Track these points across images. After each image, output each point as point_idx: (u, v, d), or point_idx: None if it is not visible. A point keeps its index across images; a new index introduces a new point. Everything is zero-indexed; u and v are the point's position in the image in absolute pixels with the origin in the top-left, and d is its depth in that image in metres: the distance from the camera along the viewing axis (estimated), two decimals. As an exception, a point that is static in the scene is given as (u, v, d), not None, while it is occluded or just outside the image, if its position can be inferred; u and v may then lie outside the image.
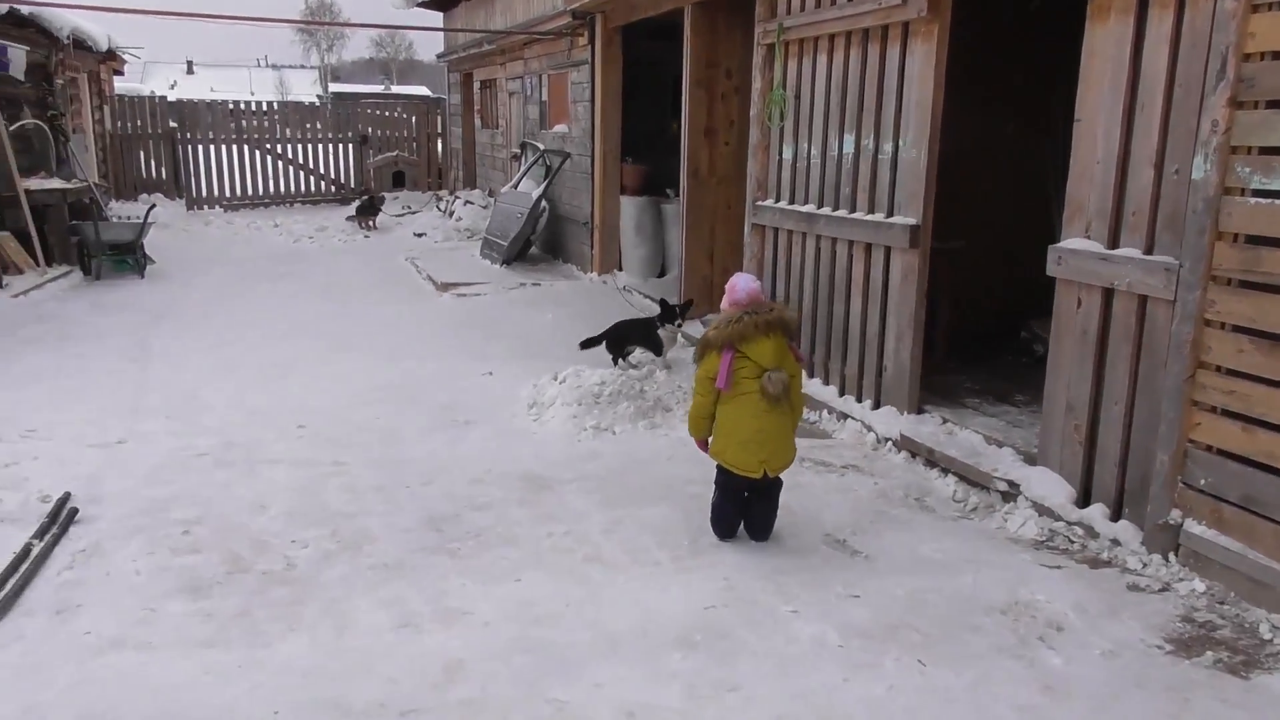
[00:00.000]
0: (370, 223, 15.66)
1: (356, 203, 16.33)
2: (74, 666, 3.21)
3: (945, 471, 5.17)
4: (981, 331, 7.14)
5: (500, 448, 5.62)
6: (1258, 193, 3.63)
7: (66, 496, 4.58)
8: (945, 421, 5.55)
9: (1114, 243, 4.25)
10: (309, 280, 11.38)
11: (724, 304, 4.37)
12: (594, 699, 3.09)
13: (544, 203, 11.98)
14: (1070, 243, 4.45)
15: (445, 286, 10.73)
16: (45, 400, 6.33)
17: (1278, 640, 3.50)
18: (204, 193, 17.67)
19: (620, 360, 7.42)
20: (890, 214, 5.71)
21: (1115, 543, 4.23)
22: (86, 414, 6.05)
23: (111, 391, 6.62)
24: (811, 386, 6.52)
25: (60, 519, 4.32)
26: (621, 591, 3.85)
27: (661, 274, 10.93)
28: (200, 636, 3.43)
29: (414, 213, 16.72)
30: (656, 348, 7.37)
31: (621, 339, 7.49)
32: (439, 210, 16.10)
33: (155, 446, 5.49)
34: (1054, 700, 3.14)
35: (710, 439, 4.36)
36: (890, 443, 5.62)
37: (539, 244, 12.67)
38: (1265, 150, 3.61)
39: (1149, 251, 4.08)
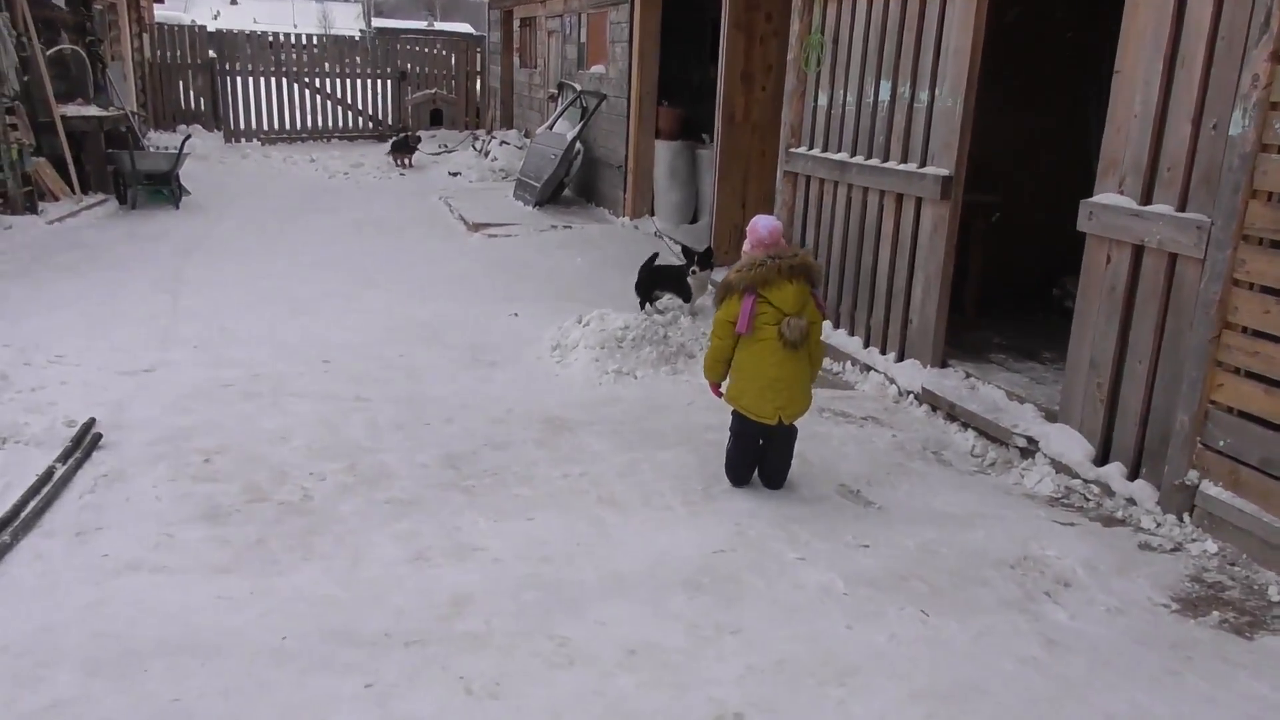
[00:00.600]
0: (406, 160, 15.65)
1: (392, 139, 16.30)
2: (90, 588, 3.30)
3: (965, 426, 5.14)
4: (1013, 287, 7.02)
5: (522, 389, 5.65)
6: (1296, 150, 3.52)
7: (91, 422, 4.68)
8: (968, 376, 5.50)
9: (1147, 199, 4.15)
10: (341, 216, 11.43)
11: (746, 246, 4.32)
12: (597, 636, 3.14)
13: (579, 145, 11.89)
14: (1103, 198, 4.35)
15: (477, 227, 10.73)
16: (75, 327, 6.43)
17: (1287, 604, 3.47)
18: (242, 125, 17.74)
19: (648, 305, 7.41)
20: (923, 164, 5.61)
21: (1130, 502, 4.19)
22: (116, 341, 6.15)
23: (142, 320, 6.72)
24: (836, 337, 6.48)
25: (84, 444, 4.42)
26: (632, 533, 3.89)
27: (694, 220, 10.85)
28: (215, 562, 3.52)
29: (450, 151, 16.68)
30: (686, 294, 7.34)
31: (651, 283, 7.47)
32: (475, 149, 16.05)
33: (182, 376, 5.58)
34: (1055, 654, 3.14)
35: (726, 384, 4.34)
36: (912, 396, 5.58)
37: (572, 186, 12.61)
38: (1306, 106, 3.50)
39: (1182, 208, 3.98)
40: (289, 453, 4.56)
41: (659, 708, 2.79)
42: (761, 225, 4.25)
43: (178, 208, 11.33)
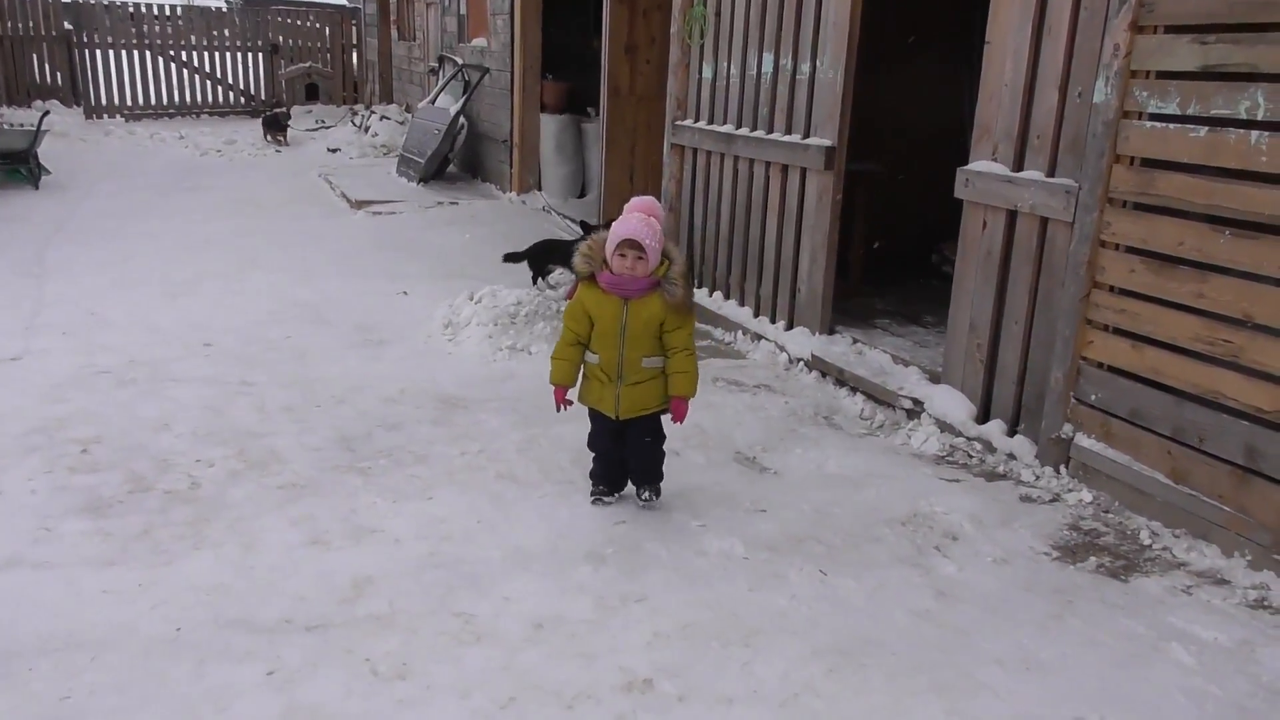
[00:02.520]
0: (280, 137, 15.10)
1: (264, 115, 15.71)
2: (-35, 586, 3.13)
3: (854, 390, 5.29)
4: (895, 255, 7.24)
5: (415, 368, 5.56)
6: (1154, 116, 3.71)
7: (-45, 416, 4.41)
8: (855, 342, 5.66)
9: (1019, 165, 4.33)
10: (217, 195, 10.98)
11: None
12: (503, 612, 3.13)
13: (462, 119, 11.69)
14: (977, 165, 4.52)
15: (360, 204, 10.46)
16: (-69, 317, 6.05)
17: (1155, 545, 3.70)
18: (103, 101, 16.83)
19: (540, 279, 7.37)
20: (807, 135, 5.72)
21: (1011, 457, 4.39)
22: (-23, 331, 5.80)
23: (4, 306, 6.34)
24: (727, 308, 6.57)
25: (-51, 439, 4.16)
26: (533, 508, 3.88)
27: (582, 194, 10.82)
28: (100, 555, 3.37)
29: (328, 127, 16.18)
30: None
31: (543, 257, 7.42)
32: (354, 125, 15.60)
33: (52, 364, 5.30)
34: (946, 604, 3.28)
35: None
36: (802, 363, 5.71)
37: (457, 162, 12.40)
38: (1162, 75, 3.69)
39: (1051, 174, 4.16)
40: (173, 440, 4.38)
41: (568, 679, 2.81)
42: (625, 220, 3.57)
43: (37, 188, 10.69)
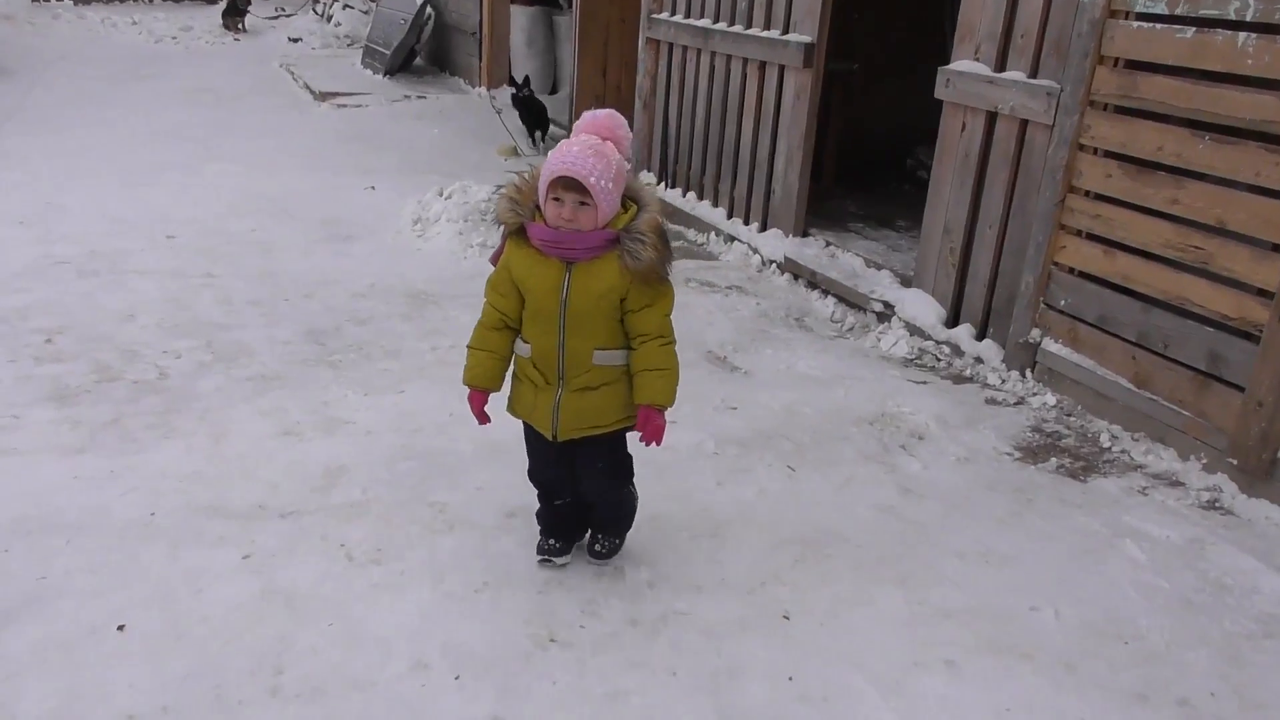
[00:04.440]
0: (239, 25, 14.56)
1: (224, 2, 15.10)
2: (-68, 471, 3.10)
3: (826, 293, 5.30)
4: (870, 157, 7.18)
5: (383, 263, 5.49)
6: (1141, 16, 3.66)
7: (-88, 302, 4.30)
8: (828, 245, 5.65)
9: (1001, 66, 4.27)
10: (174, 84, 10.62)
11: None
12: (475, 500, 3.16)
13: (429, 10, 11.32)
14: (959, 65, 4.45)
15: (324, 96, 10.17)
16: (-120, 202, 5.86)
17: (1115, 448, 3.79)
18: (51, -17, 16.04)
19: (538, 135, 7.39)
20: (786, 30, 5.59)
21: (978, 360, 4.45)
22: (-71, 218, 5.63)
23: (-44, 196, 6.15)
24: (700, 209, 6.52)
25: (-94, 325, 4.07)
26: (503, 402, 3.88)
27: (553, 90, 10.58)
28: (69, 443, 3.34)
29: (289, 15, 15.62)
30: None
31: (541, 115, 7.48)
32: (316, 14, 15.07)
33: (10, 254, 5.17)
34: (910, 501, 3.36)
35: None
36: (775, 265, 5.71)
37: (424, 54, 12.04)
38: (1152, -27, 3.63)
39: (1034, 75, 4.11)
40: (138, 331, 4.32)
41: (539, 566, 2.86)
42: (587, 115, 2.52)
43: (-18, 72, 10.28)
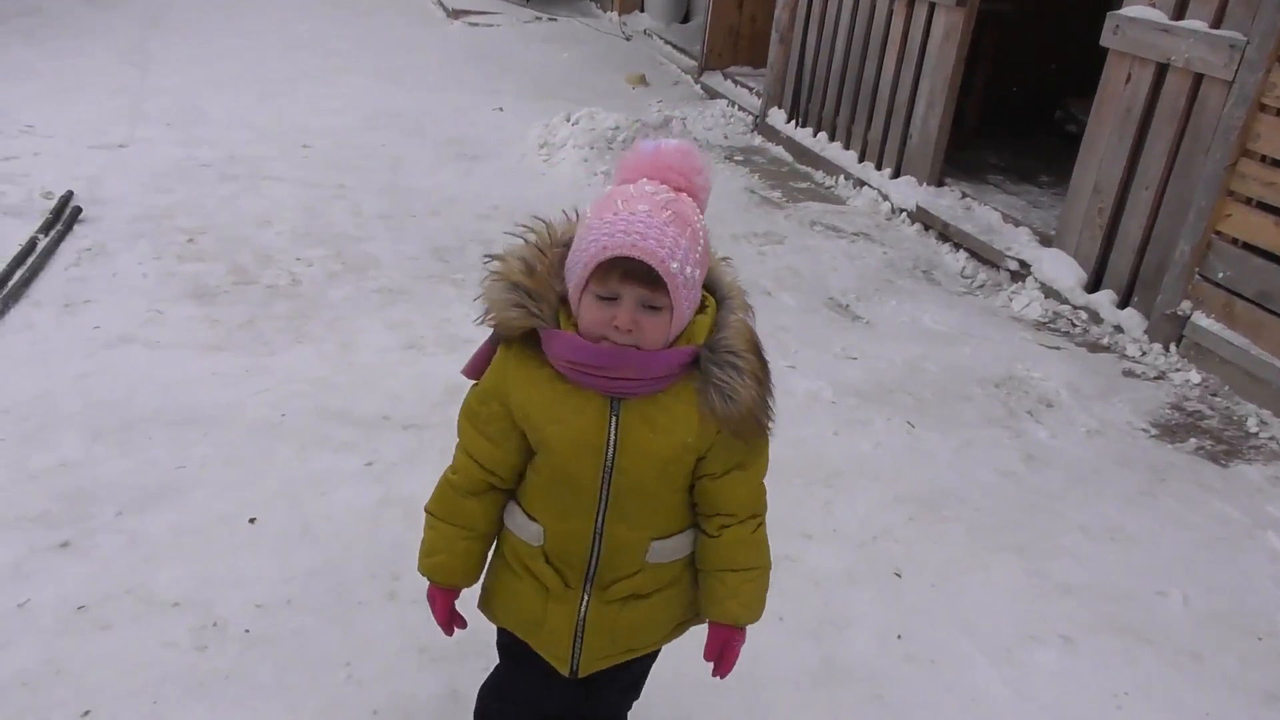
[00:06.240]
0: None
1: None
2: (83, 358, 3.26)
3: (957, 246, 5.11)
4: (1017, 106, 6.84)
5: (508, 185, 5.51)
6: (1347, -32, 3.36)
7: (69, 195, 4.50)
8: (964, 196, 5.43)
9: (1179, 13, 3.97)
10: (313, -5, 10.77)
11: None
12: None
13: (566, -70, 11.17)
14: (1131, 10, 4.16)
15: (457, 14, 10.18)
16: (41, 95, 6.11)
17: (1263, 434, 3.57)
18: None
19: None
20: (940, -33, 5.33)
21: (1118, 329, 4.24)
22: (85, 114, 5.86)
23: (110, 93, 6.38)
24: (831, 150, 6.33)
25: (64, 217, 4.27)
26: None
27: (686, 19, 10.37)
28: (207, 340, 3.47)
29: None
30: None
31: None
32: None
33: (157, 154, 5.36)
34: (1034, 469, 3.23)
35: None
36: (905, 214, 5.52)
37: (559, -24, 11.92)
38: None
39: (1216, 25, 3.81)
40: (273, 237, 4.44)
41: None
42: (646, 148, 1.44)
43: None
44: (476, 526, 1.56)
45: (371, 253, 4.39)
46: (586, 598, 1.54)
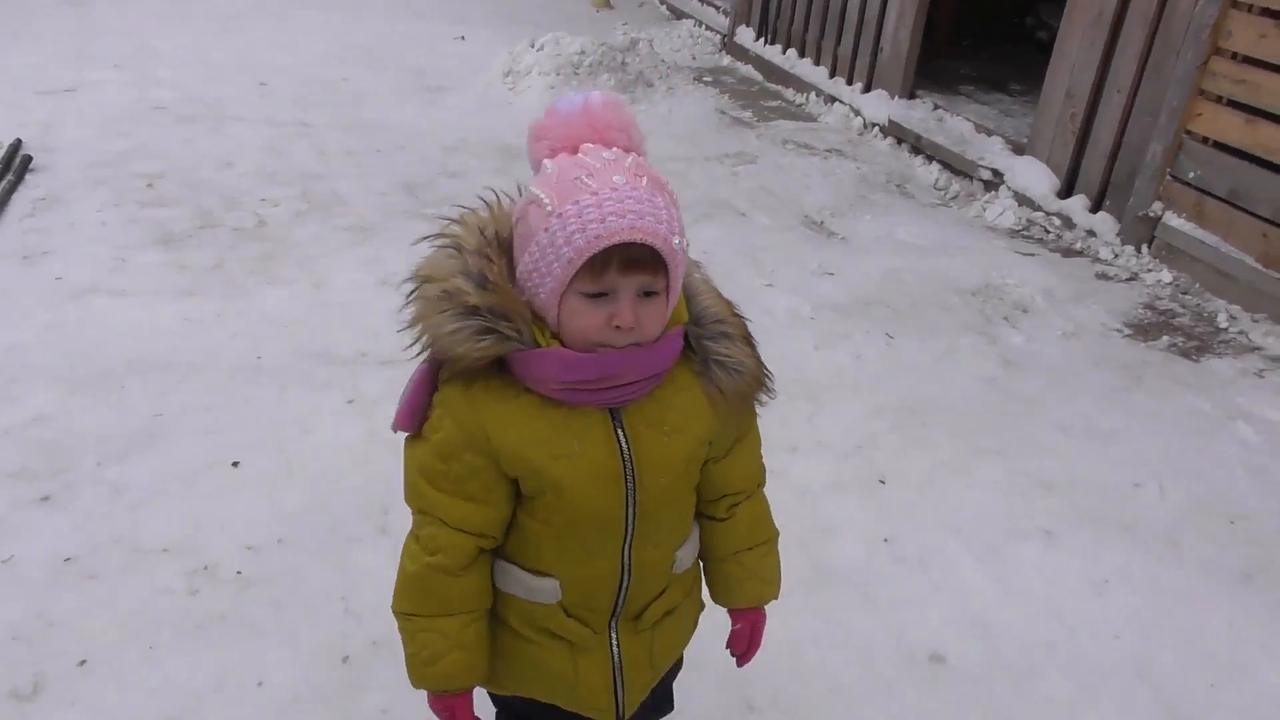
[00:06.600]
0: None
1: None
2: (48, 310, 3.20)
3: (930, 159, 5.08)
4: (988, 15, 6.75)
5: (474, 116, 5.41)
6: None
7: (18, 143, 4.37)
8: (936, 108, 5.39)
9: (1148, -90, 3.92)
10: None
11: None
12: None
13: None
14: (1099, -91, 4.10)
15: (411, -58, 9.87)
16: (-21, 41, 5.93)
17: (1232, 329, 3.62)
18: None
19: None
20: None
21: (1090, 234, 4.25)
22: (26, 58, 5.69)
23: (54, 36, 6.19)
24: (801, 67, 6.25)
25: (14, 166, 4.15)
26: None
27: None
28: (176, 286, 3.42)
29: None
30: None
31: None
32: None
33: (108, 97, 5.22)
34: (1012, 373, 3.27)
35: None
36: (877, 128, 5.48)
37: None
38: None
39: (1185, -80, 3.77)
40: (236, 178, 4.35)
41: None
42: (571, 107, 1.17)
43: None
44: (480, 604, 1.29)
45: (338, 190, 4.32)
46: (615, 636, 1.34)
